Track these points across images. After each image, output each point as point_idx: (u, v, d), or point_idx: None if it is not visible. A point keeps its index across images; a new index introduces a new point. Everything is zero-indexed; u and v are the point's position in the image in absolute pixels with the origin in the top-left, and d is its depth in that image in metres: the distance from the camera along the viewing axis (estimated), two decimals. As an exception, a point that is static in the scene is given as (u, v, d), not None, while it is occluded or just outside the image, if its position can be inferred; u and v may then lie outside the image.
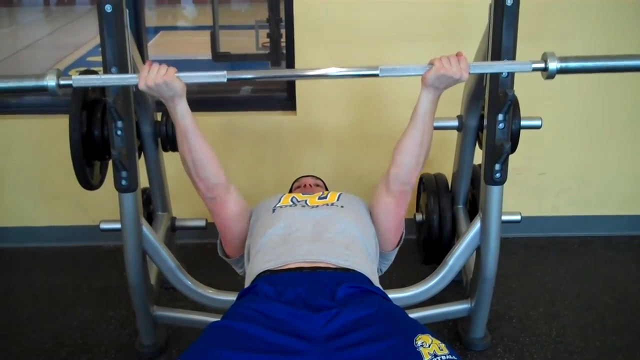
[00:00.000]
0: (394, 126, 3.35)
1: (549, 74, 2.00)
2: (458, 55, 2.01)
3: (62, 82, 1.95)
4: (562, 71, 2.00)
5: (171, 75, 1.96)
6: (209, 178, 2.10)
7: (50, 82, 1.93)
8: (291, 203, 2.30)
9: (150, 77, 1.95)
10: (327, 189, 2.76)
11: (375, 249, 2.23)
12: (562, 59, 2.00)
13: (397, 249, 2.33)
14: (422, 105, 2.07)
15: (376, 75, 2.07)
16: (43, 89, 1.94)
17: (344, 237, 2.09)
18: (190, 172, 2.11)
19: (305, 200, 2.31)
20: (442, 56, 2.02)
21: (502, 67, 2.14)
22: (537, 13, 3.00)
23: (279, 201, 2.32)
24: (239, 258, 2.31)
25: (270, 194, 2.43)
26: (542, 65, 2.00)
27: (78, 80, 1.98)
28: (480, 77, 2.38)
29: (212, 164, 2.09)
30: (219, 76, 2.02)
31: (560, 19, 3.19)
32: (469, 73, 2.00)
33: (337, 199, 2.31)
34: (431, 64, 2.02)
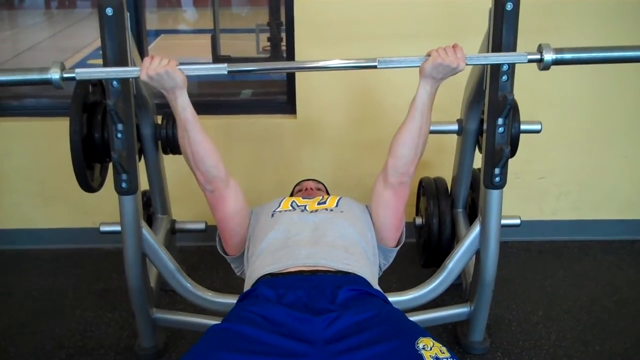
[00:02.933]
0: (393, 130, 3.36)
1: (544, 65, 2.01)
2: (454, 46, 2.02)
3: (65, 75, 1.96)
4: (557, 62, 2.00)
5: (173, 65, 1.97)
6: (209, 170, 2.10)
7: (54, 75, 1.94)
8: (291, 208, 2.30)
9: (152, 67, 1.96)
10: (328, 193, 2.77)
11: (374, 252, 2.23)
12: (557, 50, 2.00)
13: (398, 248, 2.33)
14: (420, 97, 2.08)
15: (374, 67, 2.09)
16: (47, 82, 1.96)
17: (343, 240, 2.09)
18: (190, 163, 2.12)
19: (305, 205, 2.31)
20: (438, 47, 2.03)
21: (498, 58, 2.15)
22: (535, 12, 3.00)
23: (279, 205, 2.32)
24: (238, 257, 2.30)
25: (271, 197, 2.43)
26: (537, 56, 2.01)
27: (81, 73, 1.99)
28: (481, 80, 2.38)
29: (212, 156, 2.10)
30: (220, 68, 2.04)
31: (559, 18, 3.19)
32: (466, 64, 2.01)
33: (337, 204, 2.31)
34: (428, 55, 2.03)
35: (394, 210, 2.24)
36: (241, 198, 2.23)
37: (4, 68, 2.03)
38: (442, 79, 2.05)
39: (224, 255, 2.35)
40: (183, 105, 2.02)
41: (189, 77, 2.01)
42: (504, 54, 2.16)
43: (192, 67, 2.02)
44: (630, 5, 3.19)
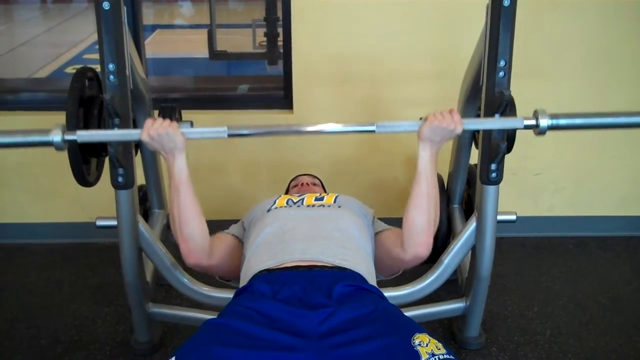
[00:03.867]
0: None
1: (539, 131, 2.04)
2: (450, 110, 2.04)
3: (67, 137, 1.98)
4: (552, 128, 2.04)
5: (174, 127, 1.99)
6: (193, 237, 2.10)
7: (56, 137, 1.96)
8: (286, 205, 2.31)
9: (153, 128, 1.98)
10: (324, 188, 2.77)
11: (372, 248, 2.23)
12: (553, 116, 2.03)
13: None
14: (422, 162, 2.07)
15: (372, 132, 2.10)
16: (49, 144, 1.97)
17: (341, 235, 2.10)
18: (176, 228, 2.11)
19: (302, 200, 2.31)
20: (435, 111, 2.04)
21: (494, 123, 2.19)
22: (534, 12, 3.01)
23: (274, 203, 2.33)
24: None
25: (267, 192, 2.44)
26: (533, 122, 2.04)
27: (83, 136, 2.01)
28: (477, 76, 2.39)
29: (198, 223, 2.09)
30: (220, 132, 2.05)
31: (558, 17, 3.20)
32: (463, 128, 2.03)
33: (334, 201, 2.32)
34: (425, 119, 2.04)
35: (399, 266, 2.25)
36: (226, 250, 2.25)
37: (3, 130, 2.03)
38: (439, 142, 2.06)
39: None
40: (180, 167, 2.04)
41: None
42: (500, 119, 2.19)
43: (193, 130, 2.06)
44: (631, 8, 3.20)
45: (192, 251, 2.12)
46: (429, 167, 2.07)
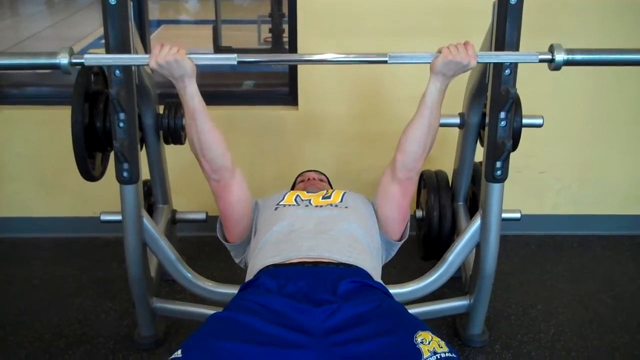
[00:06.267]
0: (395, 122, 3.34)
1: (555, 65, 2.02)
2: (465, 43, 2.02)
3: (74, 60, 1.97)
4: (568, 63, 2.01)
5: (182, 54, 1.98)
6: (215, 160, 2.10)
7: (63, 59, 1.96)
8: (295, 202, 2.30)
9: (161, 54, 1.97)
10: (330, 184, 2.77)
11: (378, 248, 2.23)
12: (569, 51, 2.01)
13: (401, 242, 2.33)
14: (430, 94, 2.08)
15: (385, 62, 2.08)
16: (55, 67, 1.97)
17: (347, 236, 2.10)
18: (197, 152, 2.12)
19: (309, 200, 2.31)
20: (449, 44, 2.03)
21: (509, 57, 2.15)
22: (539, 11, 3.00)
23: (283, 199, 2.32)
24: (238, 245, 2.30)
25: (272, 188, 2.43)
26: (549, 56, 2.02)
27: (90, 58, 2.00)
28: (483, 74, 2.38)
29: (219, 146, 2.10)
30: (230, 59, 2.04)
31: (562, 18, 3.19)
32: (477, 61, 2.02)
33: (341, 199, 2.31)
34: (439, 52, 2.03)
35: (398, 204, 2.24)
36: (245, 188, 2.23)
37: (11, 52, 2.04)
38: (452, 76, 2.05)
39: (224, 242, 2.35)
40: (192, 94, 2.03)
41: (198, 66, 2.02)
42: (515, 53, 2.17)
43: (202, 56, 2.03)
44: (633, 10, 3.20)
45: (215, 170, 2.13)
46: (437, 99, 2.08)
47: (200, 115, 2.05)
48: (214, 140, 2.09)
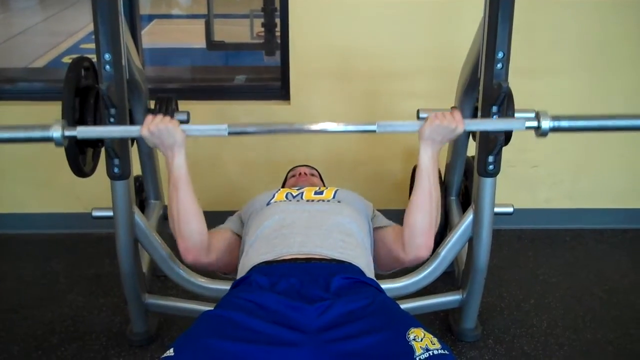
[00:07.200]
0: (388, 117, 3.33)
1: (541, 132, 2.04)
2: (452, 110, 2.03)
3: (67, 133, 1.99)
4: (554, 129, 2.04)
5: (174, 123, 1.99)
6: (192, 235, 2.09)
7: (56, 133, 1.98)
8: (286, 199, 2.30)
9: (153, 123, 1.98)
10: (322, 179, 2.76)
11: (370, 243, 2.23)
12: (555, 118, 2.03)
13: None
14: (423, 162, 2.06)
15: (373, 132, 2.09)
16: (49, 140, 1.99)
17: (340, 229, 2.09)
18: (174, 226, 2.11)
19: (301, 194, 2.30)
20: (436, 112, 2.03)
21: (496, 124, 2.19)
22: (532, 9, 3.00)
23: (273, 197, 2.32)
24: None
25: (263, 184, 2.43)
26: (535, 123, 2.04)
27: (82, 132, 2.02)
28: (475, 68, 2.38)
29: (197, 221, 2.09)
30: (221, 129, 2.05)
31: (555, 10, 3.19)
32: (464, 128, 2.02)
33: (334, 196, 2.31)
34: (426, 120, 2.03)
35: (398, 265, 2.25)
36: (225, 247, 2.22)
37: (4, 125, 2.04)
38: (441, 141, 2.05)
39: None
40: (179, 164, 2.03)
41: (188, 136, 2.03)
42: (502, 120, 2.21)
43: (193, 127, 2.06)
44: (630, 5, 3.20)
45: (190, 249, 2.11)
46: (431, 166, 2.06)
47: (183, 185, 2.05)
48: (193, 214, 2.07)
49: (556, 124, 2.02)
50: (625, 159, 3.53)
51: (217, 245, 2.20)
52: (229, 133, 2.04)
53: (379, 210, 2.47)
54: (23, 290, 3.05)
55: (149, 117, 2.00)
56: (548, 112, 2.02)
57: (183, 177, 2.04)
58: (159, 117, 2.00)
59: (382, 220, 2.37)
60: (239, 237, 2.30)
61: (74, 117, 2.25)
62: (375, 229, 2.31)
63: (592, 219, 3.62)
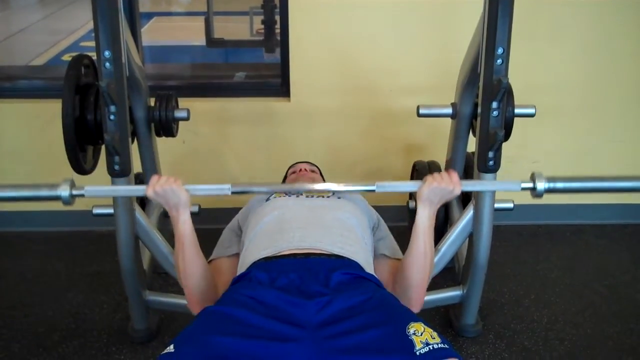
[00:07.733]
0: (388, 113, 3.36)
1: (537, 194, 2.02)
2: (449, 172, 2.02)
3: (74, 192, 1.99)
4: (549, 191, 2.02)
5: (179, 184, 1.98)
6: (199, 288, 2.07)
7: (64, 192, 1.97)
8: (285, 195, 2.30)
9: (159, 184, 1.97)
10: (322, 176, 2.77)
11: (371, 239, 2.23)
12: (550, 179, 2.01)
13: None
14: (421, 222, 2.04)
15: (373, 191, 2.05)
16: (56, 199, 1.99)
17: (339, 225, 2.09)
18: (180, 277, 2.10)
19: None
20: (433, 174, 2.02)
21: (492, 186, 2.23)
22: (532, 5, 3.00)
23: (272, 194, 2.32)
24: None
25: (263, 180, 2.43)
26: (530, 184, 2.03)
27: (90, 191, 2.01)
28: (475, 64, 2.37)
29: (203, 276, 2.07)
30: (224, 189, 2.04)
31: (556, 11, 3.19)
32: (461, 189, 2.01)
33: (333, 192, 2.31)
34: (424, 180, 2.02)
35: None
36: (229, 277, 2.17)
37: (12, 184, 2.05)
38: (438, 202, 2.03)
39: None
40: (184, 221, 2.02)
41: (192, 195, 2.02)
42: (498, 182, 2.25)
43: (196, 187, 2.04)
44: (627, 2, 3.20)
45: (198, 302, 2.08)
46: (428, 226, 2.04)
47: (188, 242, 2.04)
48: (198, 270, 2.05)
49: (551, 185, 2.01)
50: (625, 155, 3.53)
51: (222, 282, 2.17)
52: (232, 192, 2.04)
53: (377, 206, 2.47)
54: (24, 287, 3.06)
55: (154, 178, 2.01)
56: (543, 174, 2.01)
57: (188, 234, 2.04)
58: (164, 178, 2.00)
59: (384, 237, 2.36)
60: (237, 255, 2.28)
61: (74, 114, 2.25)
62: (377, 240, 2.31)
63: (592, 214, 3.62)
